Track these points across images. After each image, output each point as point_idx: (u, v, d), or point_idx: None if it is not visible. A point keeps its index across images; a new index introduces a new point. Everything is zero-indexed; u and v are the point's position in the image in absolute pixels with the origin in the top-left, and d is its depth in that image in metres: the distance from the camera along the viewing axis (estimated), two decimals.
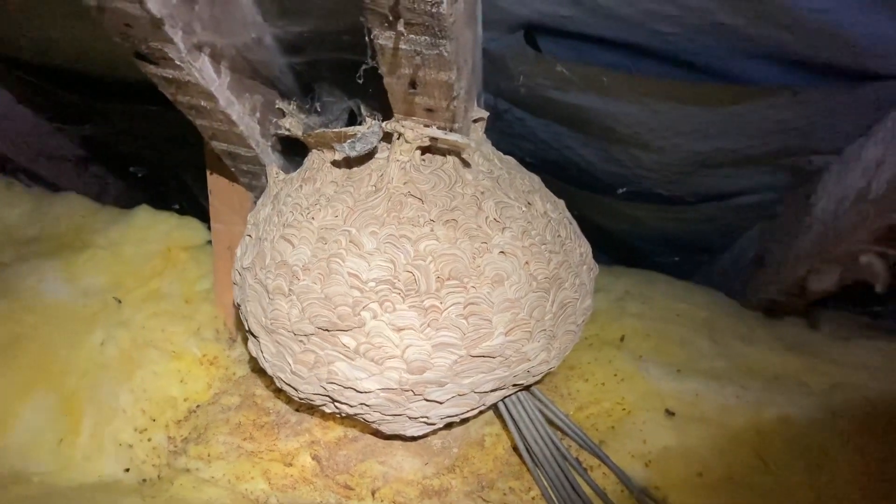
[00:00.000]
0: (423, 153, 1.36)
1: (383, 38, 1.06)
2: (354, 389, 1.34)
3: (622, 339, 1.85)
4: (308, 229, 1.36)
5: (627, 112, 1.60)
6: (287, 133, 1.46)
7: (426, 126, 1.29)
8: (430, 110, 1.24)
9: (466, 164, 1.38)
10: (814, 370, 1.76)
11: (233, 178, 1.65)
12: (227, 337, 1.87)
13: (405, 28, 1.02)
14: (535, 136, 1.87)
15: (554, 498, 1.48)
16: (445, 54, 1.07)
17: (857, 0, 1.18)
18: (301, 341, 1.36)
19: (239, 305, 1.50)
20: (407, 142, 1.32)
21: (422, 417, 1.41)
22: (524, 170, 1.54)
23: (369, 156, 1.38)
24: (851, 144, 1.58)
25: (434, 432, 1.56)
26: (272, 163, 1.52)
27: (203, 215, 1.94)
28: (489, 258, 1.32)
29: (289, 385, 1.42)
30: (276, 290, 1.36)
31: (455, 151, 1.36)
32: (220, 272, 1.86)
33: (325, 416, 1.62)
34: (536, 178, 1.55)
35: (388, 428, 1.46)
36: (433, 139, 1.31)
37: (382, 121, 1.33)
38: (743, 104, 1.49)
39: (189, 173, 2.44)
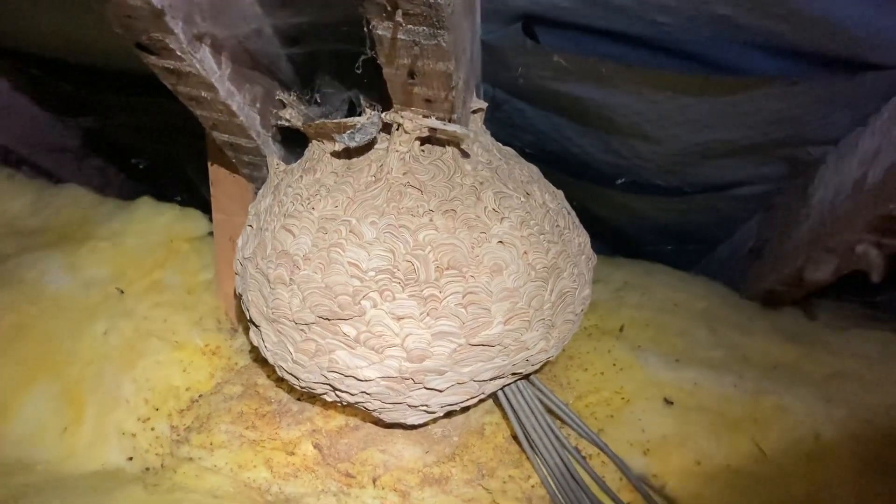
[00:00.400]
0: (422, 144, 1.37)
1: (382, 29, 1.06)
2: (355, 378, 1.35)
3: (621, 328, 1.86)
4: (308, 219, 1.37)
5: (625, 103, 1.60)
6: (287, 124, 1.47)
7: (425, 116, 1.30)
8: (428, 101, 1.25)
9: (465, 154, 1.39)
10: (811, 359, 1.77)
11: (234, 169, 1.66)
12: (228, 327, 1.88)
13: (403, 18, 1.02)
14: (533, 127, 1.88)
15: (553, 486, 1.50)
16: (444, 44, 1.07)
17: None
18: (302, 330, 1.37)
19: (240, 295, 1.51)
20: (406, 132, 1.33)
21: (422, 406, 1.42)
22: (523, 160, 1.55)
23: (369, 146, 1.39)
24: (848, 134, 1.58)
25: (434, 421, 1.58)
26: (273, 153, 1.53)
27: (205, 206, 1.95)
28: (488, 248, 1.33)
29: (290, 374, 1.44)
30: (277, 280, 1.37)
31: (454, 142, 1.36)
32: (221, 263, 1.87)
33: (326, 405, 1.64)
34: (535, 169, 1.55)
35: (388, 416, 1.48)
36: (432, 130, 1.31)
37: (382, 111, 1.34)
38: (740, 95, 1.49)
39: (190, 165, 2.44)
